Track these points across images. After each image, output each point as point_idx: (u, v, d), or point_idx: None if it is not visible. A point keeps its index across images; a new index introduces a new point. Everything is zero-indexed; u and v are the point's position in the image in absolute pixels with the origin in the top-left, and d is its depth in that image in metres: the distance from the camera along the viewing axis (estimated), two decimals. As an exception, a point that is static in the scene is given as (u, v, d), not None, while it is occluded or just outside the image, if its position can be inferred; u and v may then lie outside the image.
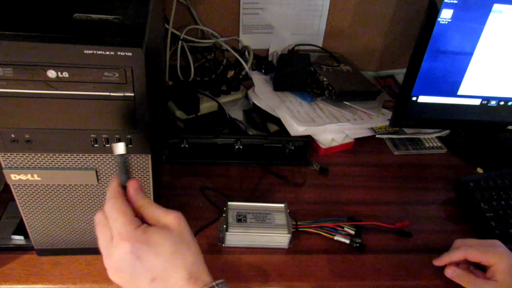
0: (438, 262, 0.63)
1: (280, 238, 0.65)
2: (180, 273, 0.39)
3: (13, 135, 0.47)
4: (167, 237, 0.40)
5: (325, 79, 0.90)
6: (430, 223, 0.73)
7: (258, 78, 0.96)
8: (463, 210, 0.77)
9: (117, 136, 0.49)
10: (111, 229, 0.40)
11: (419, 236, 0.70)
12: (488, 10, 0.72)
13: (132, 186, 0.43)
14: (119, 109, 0.46)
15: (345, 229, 0.68)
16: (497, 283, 0.57)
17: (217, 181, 0.77)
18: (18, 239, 0.61)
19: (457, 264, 0.62)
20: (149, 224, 0.42)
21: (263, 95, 0.91)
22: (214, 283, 0.41)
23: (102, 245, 0.41)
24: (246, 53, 1.03)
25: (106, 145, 0.49)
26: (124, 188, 0.44)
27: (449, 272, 0.61)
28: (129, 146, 0.50)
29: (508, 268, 0.57)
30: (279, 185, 0.78)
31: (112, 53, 0.42)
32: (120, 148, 0.44)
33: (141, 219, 0.42)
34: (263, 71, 0.99)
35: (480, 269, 0.61)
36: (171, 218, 0.42)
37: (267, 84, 0.95)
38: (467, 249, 0.61)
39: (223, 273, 0.62)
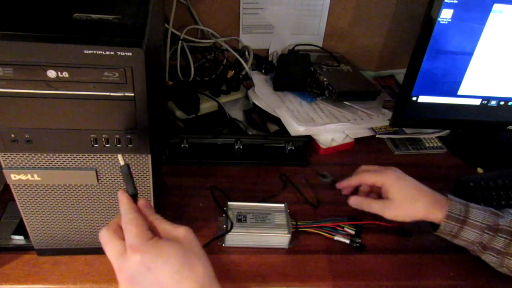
0: (339, 185, 0.70)
1: (280, 238, 0.65)
2: (191, 286, 0.39)
3: (13, 135, 0.47)
4: (177, 248, 0.40)
5: (325, 79, 0.90)
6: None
7: (258, 78, 0.96)
8: (463, 210, 0.76)
9: (117, 136, 0.49)
10: (126, 243, 0.40)
11: (419, 236, 0.70)
12: (488, 10, 0.72)
13: (142, 203, 0.44)
14: (119, 109, 0.46)
15: (345, 229, 0.69)
16: (389, 200, 0.63)
17: (217, 181, 0.77)
18: (18, 239, 0.61)
19: (366, 192, 0.69)
20: (160, 237, 0.42)
21: (263, 95, 0.91)
22: None
23: (114, 258, 0.40)
24: (246, 53, 1.03)
25: (106, 145, 0.49)
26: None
27: (352, 202, 0.67)
28: (129, 146, 0.50)
29: (397, 184, 0.63)
30: (279, 184, 0.78)
31: (112, 53, 0.42)
32: (119, 160, 0.45)
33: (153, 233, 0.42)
34: (263, 71, 0.99)
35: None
36: (181, 231, 0.42)
37: (267, 84, 0.95)
38: (362, 174, 0.67)
39: (223, 273, 0.62)
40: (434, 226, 0.63)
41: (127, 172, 0.45)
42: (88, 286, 0.59)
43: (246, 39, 1.04)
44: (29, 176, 0.51)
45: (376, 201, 0.64)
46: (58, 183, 0.53)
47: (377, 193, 0.67)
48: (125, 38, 0.42)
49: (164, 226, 0.43)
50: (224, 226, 0.65)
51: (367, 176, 0.66)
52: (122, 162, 0.45)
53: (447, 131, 0.95)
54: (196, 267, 0.40)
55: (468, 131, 0.95)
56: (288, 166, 0.82)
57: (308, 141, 0.83)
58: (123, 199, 0.43)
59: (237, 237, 0.65)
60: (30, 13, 0.45)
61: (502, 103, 0.83)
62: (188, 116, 0.87)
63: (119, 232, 0.41)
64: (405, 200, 0.62)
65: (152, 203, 0.57)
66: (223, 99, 0.93)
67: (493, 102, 0.83)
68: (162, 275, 0.38)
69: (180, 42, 0.96)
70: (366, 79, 0.99)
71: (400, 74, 1.10)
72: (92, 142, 0.49)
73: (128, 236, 0.40)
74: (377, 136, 0.90)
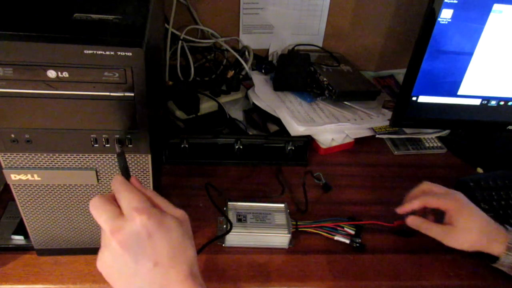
0: (400, 210, 0.66)
1: (280, 238, 0.65)
2: (182, 267, 0.39)
3: (13, 135, 0.47)
4: (178, 226, 0.40)
5: (325, 79, 0.90)
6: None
7: (258, 78, 0.96)
8: (463, 210, 0.76)
9: (117, 136, 0.49)
10: (121, 208, 0.39)
11: (419, 236, 0.70)
12: (488, 10, 0.72)
13: (135, 181, 0.44)
14: (119, 109, 0.46)
15: (345, 229, 0.68)
16: (453, 227, 0.61)
17: (217, 181, 0.77)
18: (18, 239, 0.61)
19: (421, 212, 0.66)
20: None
21: (263, 95, 0.91)
22: None
23: (110, 219, 0.39)
24: (246, 53, 1.03)
25: (106, 145, 0.49)
26: None
27: (411, 222, 0.64)
28: (129, 146, 0.50)
29: (463, 212, 0.61)
30: (279, 185, 0.78)
31: (112, 53, 0.42)
32: (116, 148, 0.45)
33: None
34: (263, 71, 0.99)
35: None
36: (179, 212, 0.42)
37: (267, 84, 0.95)
38: (426, 197, 0.64)
39: (223, 273, 0.62)
40: (491, 258, 0.62)
41: (122, 159, 0.45)
42: (88, 286, 0.59)
43: (246, 39, 1.04)
44: (29, 176, 0.51)
45: (437, 226, 0.62)
46: (58, 183, 0.53)
47: (433, 213, 0.66)
48: (125, 38, 0.42)
49: (163, 201, 0.42)
50: (224, 226, 0.65)
51: (431, 201, 0.64)
52: (117, 150, 0.45)
53: (447, 131, 0.95)
54: (189, 250, 0.40)
55: (468, 131, 0.95)
56: (288, 166, 0.82)
57: (308, 141, 0.83)
58: (120, 178, 0.42)
59: (237, 237, 0.65)
60: (30, 13, 0.45)
61: (502, 103, 0.83)
62: (188, 116, 0.87)
63: (114, 201, 0.41)
64: (469, 229, 0.60)
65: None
66: (223, 99, 0.93)
67: (493, 102, 0.83)
68: (160, 246, 0.38)
69: (180, 42, 0.96)
70: (366, 79, 0.99)
71: (400, 74, 1.10)
72: (92, 142, 0.49)
73: (130, 202, 0.39)
74: (377, 136, 0.90)
